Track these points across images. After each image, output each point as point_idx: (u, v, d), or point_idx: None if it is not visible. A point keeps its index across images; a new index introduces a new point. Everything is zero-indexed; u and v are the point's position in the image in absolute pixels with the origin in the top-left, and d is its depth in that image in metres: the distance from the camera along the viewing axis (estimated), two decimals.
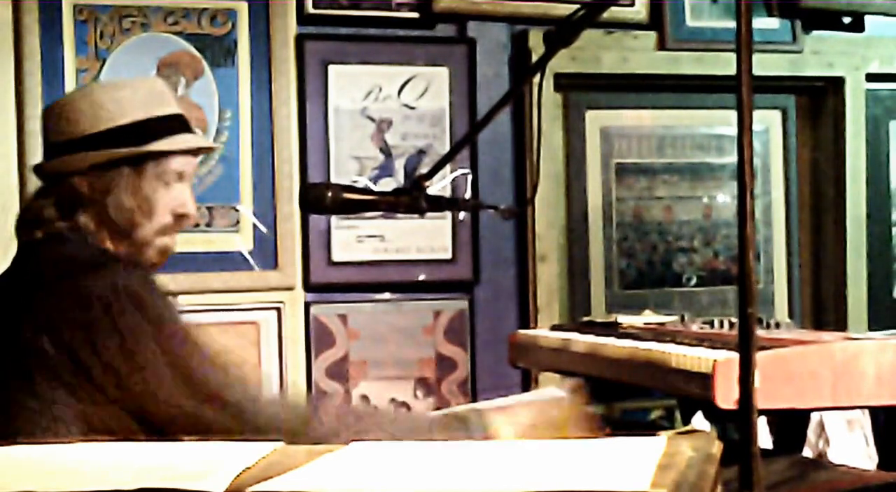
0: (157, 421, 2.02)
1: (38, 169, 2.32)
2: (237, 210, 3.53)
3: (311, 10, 3.59)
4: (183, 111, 2.34)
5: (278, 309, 3.57)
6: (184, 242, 2.38)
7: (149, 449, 1.54)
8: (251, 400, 2.07)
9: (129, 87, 2.29)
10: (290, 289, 3.59)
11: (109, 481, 1.27)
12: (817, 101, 4.21)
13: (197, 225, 3.39)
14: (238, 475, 1.29)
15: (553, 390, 2.69)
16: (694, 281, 4.10)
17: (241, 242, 3.54)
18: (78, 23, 3.40)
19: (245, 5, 3.54)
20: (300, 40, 3.59)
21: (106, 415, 2.02)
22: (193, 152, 2.31)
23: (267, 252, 3.56)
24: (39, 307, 2.07)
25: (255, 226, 3.55)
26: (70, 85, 3.34)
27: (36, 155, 3.26)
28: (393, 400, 3.58)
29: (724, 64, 3.70)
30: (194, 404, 2.02)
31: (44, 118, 2.32)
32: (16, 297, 2.13)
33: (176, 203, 2.26)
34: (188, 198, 2.29)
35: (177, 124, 2.29)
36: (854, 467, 2.30)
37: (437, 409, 3.13)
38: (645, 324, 2.50)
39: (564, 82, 3.86)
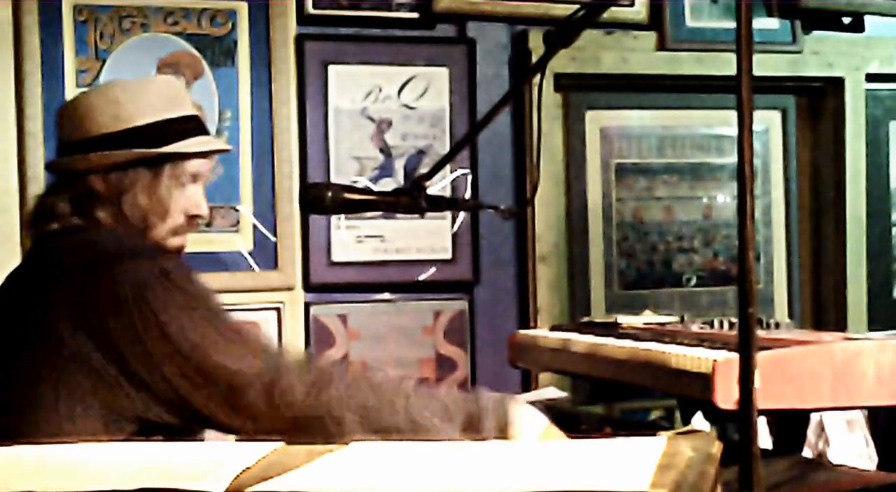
0: (195, 404, 2.02)
1: (51, 166, 2.33)
2: (237, 210, 3.53)
3: (310, 10, 3.59)
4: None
5: (278, 309, 3.57)
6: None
7: (149, 449, 1.54)
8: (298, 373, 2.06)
9: (147, 87, 2.30)
10: (289, 289, 3.59)
11: (109, 480, 1.27)
12: (817, 101, 4.21)
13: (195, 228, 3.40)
14: (238, 475, 1.29)
15: (552, 390, 2.69)
16: (694, 281, 4.10)
17: (241, 243, 3.54)
18: (78, 23, 3.40)
19: (245, 5, 3.54)
20: (300, 40, 3.59)
21: (135, 405, 2.02)
22: (209, 154, 2.33)
23: (267, 252, 3.56)
24: (70, 297, 2.07)
25: (255, 226, 3.55)
26: (70, 85, 3.34)
27: (36, 155, 3.28)
28: None
29: (723, 64, 3.70)
30: (242, 380, 2.02)
31: (60, 116, 2.32)
32: (39, 288, 2.13)
33: (189, 204, 2.28)
34: (201, 199, 2.30)
35: (193, 126, 2.30)
36: (854, 468, 2.30)
37: None
38: (645, 324, 2.50)
39: (564, 82, 3.86)
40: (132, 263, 2.07)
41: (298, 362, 2.07)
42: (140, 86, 2.31)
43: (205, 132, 2.33)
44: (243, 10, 3.54)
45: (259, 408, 1.99)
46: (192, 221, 2.30)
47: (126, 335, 2.01)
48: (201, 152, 2.29)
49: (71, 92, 3.27)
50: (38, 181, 3.17)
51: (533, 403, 2.24)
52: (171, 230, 2.27)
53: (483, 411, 2.06)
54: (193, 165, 2.28)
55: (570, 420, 2.26)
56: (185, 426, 2.03)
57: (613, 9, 3.62)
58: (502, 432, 2.06)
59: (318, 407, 1.99)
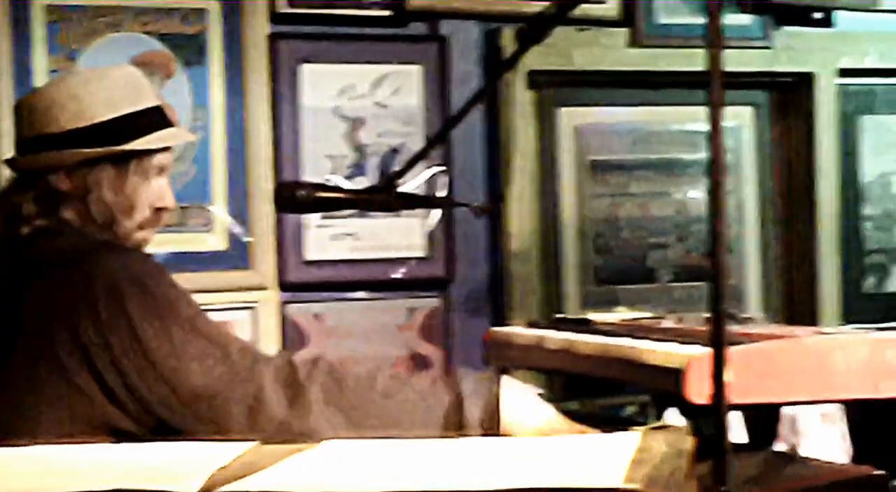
0: (166, 418, 2.01)
1: (12, 163, 2.30)
2: (210, 210, 3.52)
3: (283, 8, 3.59)
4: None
5: (252, 309, 3.57)
6: (156, 243, 2.37)
7: (124, 449, 1.54)
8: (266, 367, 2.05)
9: (108, 80, 2.26)
10: (263, 288, 3.58)
11: (85, 482, 1.27)
12: (789, 96, 4.23)
13: (169, 225, 3.39)
14: (212, 475, 1.29)
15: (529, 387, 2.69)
16: (667, 277, 4.11)
17: (215, 242, 3.53)
18: (49, 22, 3.39)
19: (217, 4, 3.53)
20: (273, 39, 3.59)
21: (106, 414, 2.01)
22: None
23: (240, 252, 3.55)
24: (41, 304, 2.05)
25: (228, 226, 3.54)
26: (41, 85, 3.32)
27: (10, 154, 3.26)
28: None
29: (695, 60, 3.71)
30: (209, 381, 2.00)
31: (18, 111, 2.29)
32: (10, 295, 2.11)
33: (155, 197, 2.26)
34: (167, 191, 2.29)
35: (157, 118, 2.28)
36: (828, 462, 2.31)
37: None
38: (619, 320, 2.51)
39: (537, 80, 3.86)
40: (103, 266, 2.05)
41: (275, 372, 2.04)
42: (101, 79, 2.27)
43: (169, 123, 2.31)
44: (215, 9, 3.53)
45: (232, 426, 1.98)
46: (158, 213, 2.28)
47: (97, 344, 1.99)
48: (167, 146, 2.28)
49: None
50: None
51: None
52: (138, 225, 2.25)
53: (465, 398, 2.05)
54: (159, 159, 2.27)
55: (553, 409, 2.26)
56: (155, 437, 2.01)
57: (585, 5, 3.62)
58: (490, 416, 2.05)
59: (295, 424, 1.98)
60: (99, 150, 2.19)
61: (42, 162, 2.21)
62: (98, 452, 1.53)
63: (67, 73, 3.28)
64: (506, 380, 2.13)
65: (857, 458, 2.61)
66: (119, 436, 1.99)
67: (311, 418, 1.98)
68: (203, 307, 2.14)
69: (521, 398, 2.10)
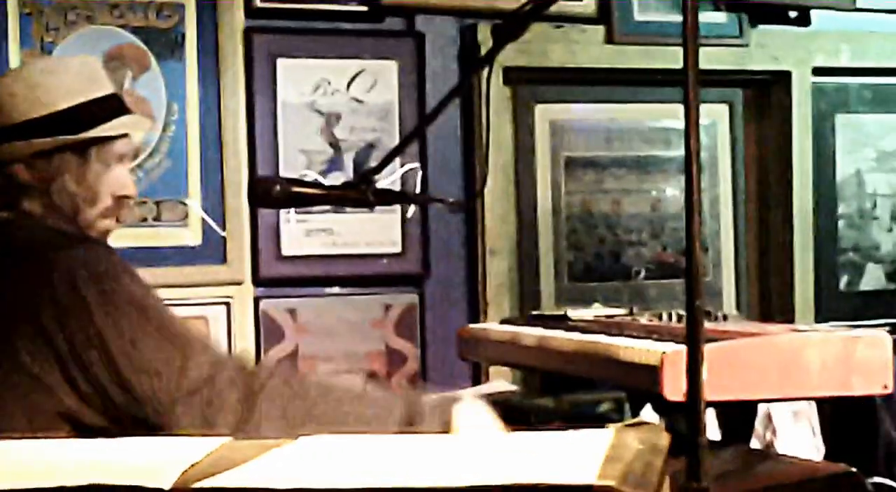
0: (125, 411, 2.00)
1: None
2: (185, 204, 3.51)
3: (258, 3, 3.58)
4: (130, 105, 2.32)
5: (227, 304, 3.56)
6: (131, 237, 2.37)
7: (96, 445, 1.53)
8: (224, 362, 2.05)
9: (65, 69, 2.25)
10: (238, 283, 3.58)
11: (57, 477, 1.26)
12: (764, 94, 4.24)
13: (144, 219, 3.38)
14: (185, 471, 1.29)
15: (502, 383, 2.70)
16: (642, 274, 4.12)
17: (190, 237, 3.53)
18: (23, 16, 3.38)
19: None
20: (248, 34, 3.58)
21: (66, 406, 2.00)
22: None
23: (215, 246, 3.54)
24: (3, 290, 2.04)
25: (203, 220, 3.53)
26: None
27: None
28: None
29: (671, 58, 3.72)
30: (171, 373, 2.00)
31: None
32: None
33: (117, 185, 2.24)
34: (128, 179, 2.27)
35: (116, 105, 2.26)
36: (801, 458, 2.32)
37: None
38: (594, 317, 2.51)
39: (513, 76, 3.87)
40: (63, 260, 2.04)
41: (230, 379, 2.03)
42: (58, 67, 2.26)
43: (127, 111, 2.30)
44: (191, 3, 3.52)
45: (185, 425, 1.97)
46: (120, 201, 2.27)
47: (60, 338, 1.98)
48: (126, 134, 2.27)
49: None
50: None
51: (483, 396, 2.25)
52: (100, 214, 2.23)
53: (421, 417, 2.06)
54: (119, 146, 2.25)
55: (519, 413, 2.27)
56: (115, 429, 2.00)
57: (561, 2, 3.60)
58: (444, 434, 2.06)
59: (248, 429, 1.98)
60: (57, 138, 2.18)
61: (1, 153, 2.19)
62: (69, 447, 1.52)
63: (24, 63, 3.27)
64: (466, 401, 2.12)
65: (830, 454, 2.62)
66: (82, 429, 1.98)
67: (260, 429, 1.98)
68: (177, 302, 2.14)
69: (476, 421, 2.10)
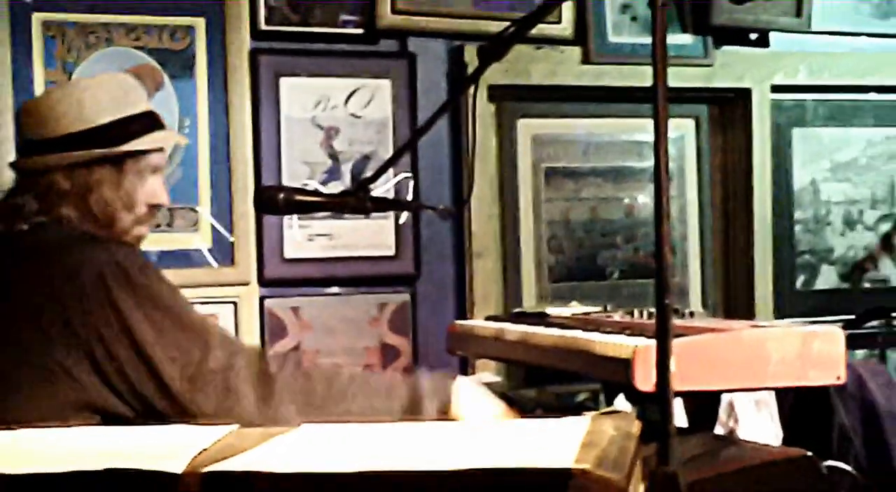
0: (151, 400, 1.99)
1: (16, 165, 2.28)
2: (196, 211, 3.51)
3: (263, 26, 3.58)
4: None
5: (235, 303, 3.56)
6: (147, 242, 2.36)
7: (113, 433, 1.53)
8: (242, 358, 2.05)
9: (104, 87, 2.25)
10: (245, 284, 3.57)
11: (78, 463, 1.26)
12: (727, 110, 4.24)
13: (158, 225, 3.37)
14: (196, 456, 1.28)
15: (488, 375, 2.69)
16: (616, 275, 4.12)
17: (200, 241, 3.52)
18: (47, 38, 3.37)
19: (202, 22, 3.51)
20: (254, 54, 3.57)
21: (93, 396, 1.99)
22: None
23: (224, 250, 3.54)
24: (32, 290, 2.03)
25: (212, 225, 3.53)
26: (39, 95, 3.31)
27: (8, 159, 3.23)
28: None
29: (642, 76, 3.72)
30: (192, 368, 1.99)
31: (23, 115, 2.27)
32: (4, 283, 2.09)
33: (151, 194, 2.25)
34: (161, 188, 2.28)
35: (150, 122, 2.27)
36: (761, 444, 2.32)
37: None
38: (572, 314, 2.51)
39: (497, 93, 3.87)
40: (90, 257, 2.03)
41: (248, 365, 2.03)
42: (98, 85, 2.26)
43: (161, 126, 2.30)
44: (201, 26, 3.52)
45: (207, 415, 1.97)
46: (153, 209, 2.27)
47: (88, 333, 1.98)
48: (160, 147, 2.27)
49: None
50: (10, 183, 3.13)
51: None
52: (135, 221, 2.24)
53: (422, 397, 2.06)
54: (153, 159, 2.26)
55: (504, 402, 2.26)
56: (142, 418, 2.00)
57: (542, 25, 3.62)
58: (445, 410, 2.06)
59: (264, 415, 1.98)
60: (96, 151, 2.18)
61: (43, 164, 2.19)
62: (88, 435, 1.52)
63: (67, 81, 3.27)
64: (460, 380, 2.13)
65: (788, 440, 2.62)
66: (108, 418, 1.98)
67: (278, 411, 1.98)
68: (189, 301, 2.13)
69: (473, 397, 2.10)
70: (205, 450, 1.32)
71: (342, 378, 2.06)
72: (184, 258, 3.47)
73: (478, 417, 2.07)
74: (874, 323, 3.93)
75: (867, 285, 4.35)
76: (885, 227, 4.38)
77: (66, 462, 1.26)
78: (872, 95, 4.35)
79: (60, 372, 1.97)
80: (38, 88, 3.33)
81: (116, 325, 1.98)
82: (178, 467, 1.23)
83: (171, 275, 2.15)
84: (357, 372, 2.13)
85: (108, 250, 2.06)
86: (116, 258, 2.03)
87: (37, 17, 3.35)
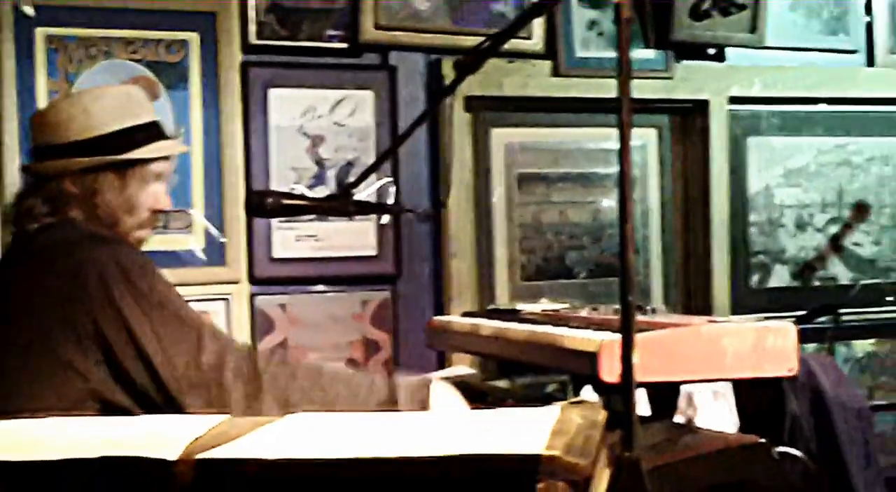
0: (149, 392, 1.98)
1: (27, 169, 2.27)
2: (190, 214, 3.50)
3: (254, 40, 3.57)
4: None
5: (227, 300, 3.55)
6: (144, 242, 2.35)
7: (109, 423, 1.52)
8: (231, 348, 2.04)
9: (112, 97, 2.24)
10: (236, 282, 3.56)
11: (77, 451, 1.25)
12: (687, 120, 4.26)
13: (154, 227, 3.36)
14: (189, 444, 1.28)
15: (463, 368, 2.70)
16: (584, 274, 4.13)
17: (194, 242, 3.51)
18: (50, 50, 3.36)
19: (196, 36, 3.50)
20: (244, 67, 3.57)
21: (95, 389, 1.98)
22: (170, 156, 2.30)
23: (216, 250, 3.53)
24: (39, 286, 2.02)
25: (205, 228, 3.52)
26: (42, 104, 3.29)
27: (13, 165, 3.23)
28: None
29: (608, 88, 3.72)
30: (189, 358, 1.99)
31: (34, 122, 2.26)
32: (13, 279, 2.08)
33: (153, 200, 2.24)
34: (163, 195, 2.27)
35: (155, 132, 2.26)
36: (718, 431, 2.32)
37: None
38: (542, 311, 2.51)
39: (473, 104, 3.86)
40: (93, 256, 2.02)
41: (237, 361, 2.02)
42: (106, 96, 2.25)
43: (165, 136, 2.29)
44: (195, 41, 3.51)
45: (199, 406, 1.96)
46: (155, 214, 2.27)
47: (87, 324, 1.97)
48: (164, 156, 2.27)
49: None
50: (15, 187, 3.11)
51: (447, 379, 2.24)
52: (137, 224, 2.23)
53: (400, 397, 2.06)
54: (157, 167, 2.25)
55: (478, 394, 2.27)
56: (141, 409, 1.99)
57: (514, 40, 3.62)
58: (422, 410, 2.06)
59: (253, 407, 1.97)
60: (103, 158, 2.17)
61: (53, 168, 2.18)
62: (85, 424, 1.51)
63: (69, 90, 3.27)
64: (437, 383, 2.13)
65: (743, 428, 2.63)
66: (109, 409, 1.97)
67: (264, 406, 1.97)
68: (184, 299, 2.12)
69: (449, 400, 2.10)
70: (198, 438, 1.32)
71: (325, 377, 2.06)
72: (178, 258, 3.46)
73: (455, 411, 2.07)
74: (823, 319, 3.96)
75: (817, 284, 4.37)
76: (834, 229, 4.41)
77: (64, 450, 1.25)
78: (822, 107, 4.37)
79: (66, 366, 1.96)
80: (41, 97, 3.32)
81: (116, 322, 1.97)
82: (172, 454, 1.23)
83: (167, 274, 2.14)
84: (339, 370, 2.12)
85: (110, 250, 2.05)
86: (118, 258, 2.02)
87: (40, 31, 3.34)
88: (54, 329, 1.97)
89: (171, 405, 1.97)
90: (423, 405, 2.06)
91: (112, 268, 1.99)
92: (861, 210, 4.40)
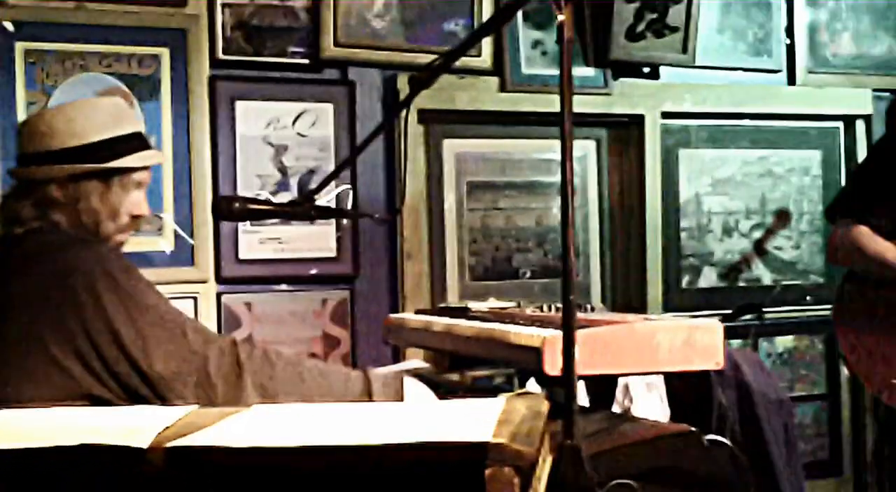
0: (133, 387, 1.96)
1: (14, 173, 2.25)
2: (161, 218, 3.47)
3: (221, 55, 3.55)
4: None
5: (195, 298, 3.52)
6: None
7: (86, 414, 1.51)
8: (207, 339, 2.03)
9: (97, 108, 2.22)
10: (204, 282, 3.54)
11: (56, 439, 1.24)
12: (623, 133, 4.28)
13: (138, 227, 3.34)
14: (160, 433, 1.27)
15: (417, 361, 2.69)
16: (528, 274, 4.14)
17: (165, 244, 3.49)
18: (28, 63, 3.32)
19: (167, 51, 3.48)
20: (212, 80, 3.54)
21: (81, 385, 1.96)
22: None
23: (185, 251, 3.50)
24: (27, 287, 2.00)
25: (175, 231, 3.49)
26: (21, 114, 3.26)
27: None
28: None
29: (551, 103, 3.74)
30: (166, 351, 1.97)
31: (22, 130, 2.23)
32: (4, 277, 2.06)
33: (133, 206, 2.22)
34: (143, 201, 2.25)
35: (137, 142, 2.24)
36: (652, 420, 2.34)
37: None
38: (490, 309, 2.51)
39: (426, 116, 3.87)
40: (80, 260, 2.01)
41: (219, 353, 2.01)
42: (92, 107, 2.23)
43: (147, 147, 2.27)
44: (165, 55, 3.48)
45: (186, 398, 1.95)
46: (135, 220, 2.25)
47: (79, 329, 1.95)
48: (145, 166, 2.25)
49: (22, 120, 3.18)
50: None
51: (403, 372, 2.24)
52: (118, 229, 2.21)
53: (374, 393, 2.05)
54: (138, 175, 2.23)
55: (431, 386, 2.27)
56: (127, 400, 1.98)
57: (465, 58, 3.64)
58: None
59: (235, 397, 1.96)
60: (87, 166, 2.15)
61: (40, 174, 2.15)
62: (65, 415, 1.50)
63: (46, 101, 3.23)
64: (409, 380, 2.13)
65: (674, 417, 2.65)
66: (96, 402, 1.95)
67: (245, 396, 1.97)
68: (165, 298, 2.11)
69: (420, 397, 2.10)
70: (168, 427, 1.31)
71: (304, 369, 2.05)
72: (150, 259, 3.44)
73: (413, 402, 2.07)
74: (748, 317, 3.99)
75: (742, 284, 4.41)
76: (757, 234, 4.45)
77: (45, 438, 1.24)
78: (747, 121, 4.41)
79: (55, 365, 1.94)
80: (20, 108, 3.29)
81: (102, 323, 1.95)
82: (144, 442, 1.22)
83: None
84: (318, 364, 2.11)
85: (95, 254, 2.03)
86: (103, 262, 2.01)
87: (19, 45, 3.30)
88: (44, 330, 1.95)
89: (158, 399, 1.96)
90: (398, 397, 2.06)
91: (97, 271, 1.98)
92: (782, 217, 4.45)
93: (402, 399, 2.05)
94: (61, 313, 1.94)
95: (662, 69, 4.21)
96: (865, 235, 3.13)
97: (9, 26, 3.29)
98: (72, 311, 1.94)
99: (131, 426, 1.32)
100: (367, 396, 2.03)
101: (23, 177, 2.20)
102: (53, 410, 1.55)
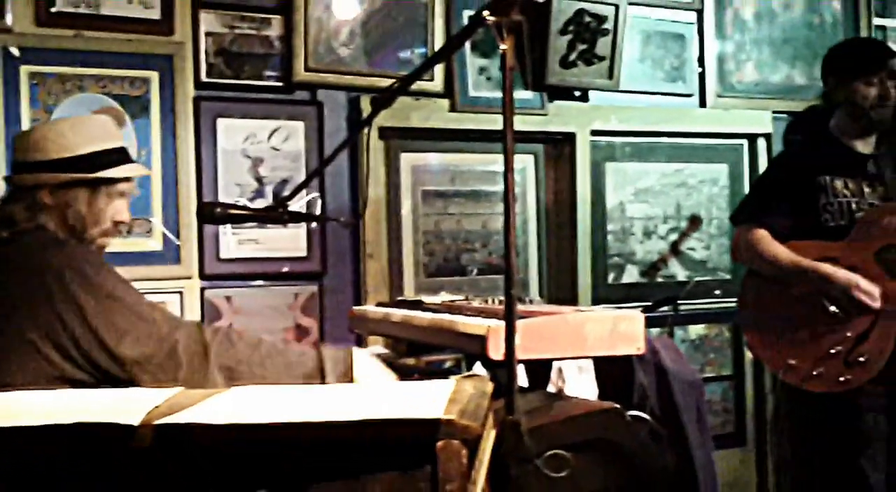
0: (110, 372, 1.94)
1: (8, 180, 2.22)
2: (150, 221, 3.44)
3: (204, 78, 3.53)
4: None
5: (181, 293, 3.49)
6: (112, 245, 2.31)
7: (78, 395, 1.49)
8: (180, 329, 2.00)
9: (87, 124, 2.21)
10: (189, 278, 3.51)
11: (51, 418, 1.22)
12: (558, 148, 4.30)
13: (120, 232, 3.30)
14: (149, 412, 1.26)
15: (378, 348, 2.69)
16: (475, 272, 4.15)
17: (153, 245, 3.45)
18: (32, 85, 3.28)
19: (156, 74, 3.45)
20: (197, 100, 3.52)
21: (60, 370, 1.93)
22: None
23: (172, 251, 3.47)
24: (9, 283, 1.97)
25: (164, 232, 3.46)
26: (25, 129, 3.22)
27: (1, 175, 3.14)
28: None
29: (495, 122, 3.75)
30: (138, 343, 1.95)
31: (17, 142, 2.21)
32: None
33: (116, 213, 2.20)
34: (126, 209, 2.23)
35: (123, 156, 2.22)
36: (583, 399, 2.35)
37: None
38: (441, 301, 2.52)
39: (386, 133, 3.86)
40: (53, 259, 1.99)
41: (187, 335, 1.99)
42: (82, 122, 2.22)
43: (131, 160, 2.25)
44: (155, 78, 3.45)
45: (157, 379, 1.93)
46: (117, 225, 2.23)
47: (54, 321, 1.93)
48: (128, 177, 2.23)
49: None
50: None
51: (353, 349, 2.23)
52: (101, 232, 2.19)
53: (326, 365, 2.04)
54: (122, 186, 2.21)
55: (392, 368, 2.26)
56: (104, 383, 1.95)
57: (419, 82, 3.64)
58: (345, 377, 2.05)
59: (200, 377, 1.94)
60: (75, 175, 2.12)
61: (32, 181, 2.13)
62: (59, 396, 1.48)
63: (49, 118, 3.20)
64: (358, 352, 2.12)
65: (601, 396, 2.67)
66: (76, 385, 1.93)
67: (210, 376, 1.95)
68: (144, 292, 2.09)
69: (368, 366, 2.10)
70: (157, 407, 1.30)
71: (263, 349, 2.04)
72: (140, 258, 3.41)
73: (371, 382, 2.06)
74: (665, 308, 4.03)
75: (660, 280, 4.45)
76: (673, 236, 4.49)
77: (41, 418, 1.22)
78: (665, 139, 4.45)
79: (35, 353, 1.92)
80: (25, 124, 3.25)
81: (76, 314, 1.93)
82: (134, 420, 1.21)
83: (131, 272, 2.11)
84: (276, 343, 2.10)
85: (69, 253, 2.01)
86: (75, 259, 1.99)
87: (24, 68, 3.26)
88: (24, 323, 1.92)
89: (129, 379, 1.94)
90: (347, 373, 2.05)
91: (70, 269, 1.96)
92: (695, 222, 4.50)
93: (351, 373, 2.05)
94: (37, 305, 1.93)
95: (591, 93, 4.24)
96: (763, 238, 3.18)
97: (15, 51, 3.25)
98: (47, 305, 1.93)
99: (121, 406, 1.30)
100: (320, 371, 2.03)
101: (17, 183, 2.17)
102: (47, 391, 1.53)
